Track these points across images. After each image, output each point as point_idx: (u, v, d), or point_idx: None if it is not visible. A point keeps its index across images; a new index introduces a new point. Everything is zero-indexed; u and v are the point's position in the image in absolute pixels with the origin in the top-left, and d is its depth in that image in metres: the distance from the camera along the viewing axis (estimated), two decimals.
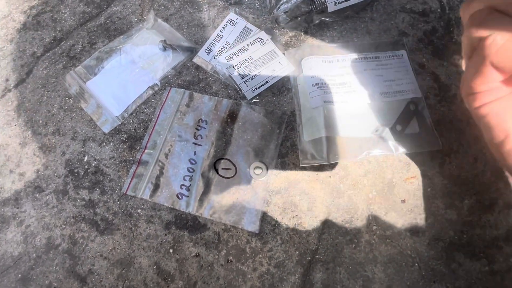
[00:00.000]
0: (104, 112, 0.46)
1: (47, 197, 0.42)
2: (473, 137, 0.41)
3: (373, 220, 0.38)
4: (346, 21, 0.49)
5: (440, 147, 0.40)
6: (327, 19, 0.48)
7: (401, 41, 0.46)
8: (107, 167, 0.43)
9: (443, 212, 0.38)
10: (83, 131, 0.45)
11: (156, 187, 0.41)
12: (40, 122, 0.46)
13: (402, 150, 0.40)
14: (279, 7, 0.49)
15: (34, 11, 0.54)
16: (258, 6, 0.51)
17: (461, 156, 0.40)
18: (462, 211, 0.38)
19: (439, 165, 0.40)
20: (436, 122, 0.42)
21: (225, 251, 0.38)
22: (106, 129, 0.45)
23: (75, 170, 0.43)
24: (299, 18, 0.49)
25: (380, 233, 0.38)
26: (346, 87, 0.43)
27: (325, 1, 0.47)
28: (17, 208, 0.42)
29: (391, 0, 0.49)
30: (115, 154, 0.43)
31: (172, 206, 0.40)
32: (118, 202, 0.41)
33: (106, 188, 0.42)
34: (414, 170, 0.40)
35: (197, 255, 0.38)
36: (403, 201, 0.39)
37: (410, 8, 0.49)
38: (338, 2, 0.48)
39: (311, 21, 0.49)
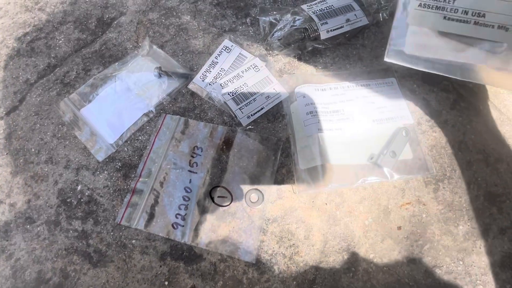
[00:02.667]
0: (98, 140, 0.45)
1: (38, 229, 0.41)
2: (466, 162, 0.42)
3: (370, 247, 0.38)
4: (339, 48, 0.50)
5: (433, 173, 0.41)
6: (320, 46, 0.49)
7: (391, 68, 0.47)
8: (101, 196, 0.42)
9: (438, 238, 0.39)
10: (77, 159, 0.45)
11: (151, 216, 0.41)
12: (33, 150, 0.45)
13: (396, 176, 0.40)
14: (273, 34, 0.50)
15: (28, 37, 0.54)
16: (252, 33, 0.52)
17: (454, 181, 0.41)
18: (457, 237, 0.38)
19: (433, 191, 0.41)
20: (429, 147, 0.43)
21: (221, 283, 0.38)
22: (100, 157, 0.44)
23: (68, 200, 0.42)
24: (292, 45, 0.50)
25: (377, 261, 0.38)
26: (339, 115, 0.44)
27: (318, 29, 0.49)
28: (7, 240, 0.41)
29: (381, 28, 0.51)
30: (109, 182, 0.43)
31: (167, 236, 0.40)
32: (112, 233, 0.40)
33: (99, 218, 0.41)
34: (409, 196, 0.40)
35: (193, 287, 0.37)
36: (399, 227, 0.39)
37: None
38: (330, 30, 0.49)
39: (305, 48, 0.50)
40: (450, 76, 0.37)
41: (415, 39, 0.36)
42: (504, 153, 0.42)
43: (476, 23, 0.32)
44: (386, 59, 0.39)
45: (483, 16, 0.31)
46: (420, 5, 0.34)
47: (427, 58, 0.37)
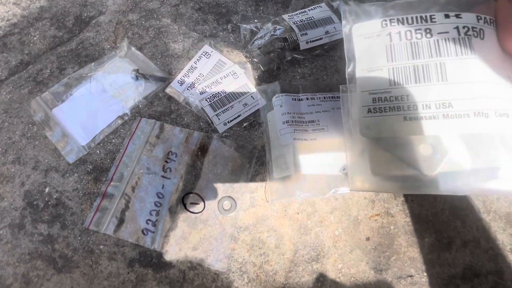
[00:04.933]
0: (70, 141, 0.44)
1: (1, 232, 0.39)
2: None
3: (339, 257, 0.39)
4: (317, 59, 0.51)
5: None
6: (299, 56, 0.50)
7: None
8: (70, 199, 0.41)
9: (405, 250, 0.40)
10: (46, 160, 0.43)
11: (121, 221, 0.40)
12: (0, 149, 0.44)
13: None
14: (253, 42, 0.50)
15: (1, 32, 0.52)
16: (232, 40, 0.52)
17: (421, 194, 0.42)
18: (423, 249, 0.40)
19: (402, 203, 0.42)
20: None
21: None
22: (71, 159, 0.43)
23: (35, 203, 0.41)
24: (272, 54, 0.50)
25: (346, 271, 0.38)
26: (315, 125, 0.44)
27: (298, 39, 0.49)
28: None
29: None
30: (78, 186, 0.42)
31: (136, 242, 0.39)
32: (79, 238, 0.39)
33: (67, 222, 0.40)
34: (379, 208, 0.41)
35: None
36: (368, 238, 0.40)
37: None
38: (310, 41, 0.50)
39: (284, 58, 0.50)
40: (442, 193, 0.29)
41: (378, 162, 0.28)
42: None
43: (446, 116, 0.25)
44: (351, 189, 0.31)
45: (451, 106, 0.25)
46: (369, 111, 0.27)
47: (403, 178, 0.28)
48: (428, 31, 0.27)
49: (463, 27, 0.26)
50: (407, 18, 0.27)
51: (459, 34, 0.26)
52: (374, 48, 0.28)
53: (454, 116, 0.25)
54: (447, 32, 0.26)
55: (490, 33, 0.26)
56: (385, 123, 0.27)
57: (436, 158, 0.26)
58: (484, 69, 0.25)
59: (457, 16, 0.26)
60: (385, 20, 0.28)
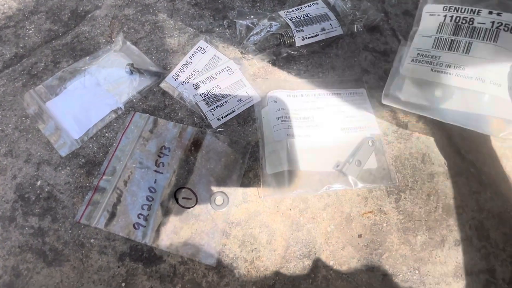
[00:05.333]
0: (63, 135, 0.44)
1: None
2: (427, 174, 0.43)
3: (331, 254, 0.39)
4: (312, 56, 0.51)
5: (396, 183, 0.42)
6: (295, 53, 0.50)
7: (361, 79, 0.48)
8: (61, 193, 0.41)
9: (397, 247, 0.39)
10: (38, 153, 0.43)
11: (112, 215, 0.40)
12: None
13: (360, 185, 0.41)
14: (249, 38, 0.50)
15: None
16: (228, 36, 0.52)
17: (415, 192, 0.42)
18: (415, 247, 0.39)
19: (395, 201, 0.42)
20: (393, 158, 0.44)
21: (180, 285, 0.37)
22: (63, 152, 0.43)
23: (26, 195, 0.41)
24: (267, 50, 0.50)
25: (337, 268, 0.38)
26: (309, 122, 0.44)
27: (294, 36, 0.49)
28: None
29: (355, 38, 0.52)
30: (70, 179, 0.42)
31: (127, 236, 0.39)
32: (70, 231, 0.39)
33: (58, 216, 0.40)
34: (371, 205, 0.41)
35: None
36: (360, 235, 0.40)
37: (373, 47, 0.51)
38: (306, 38, 0.49)
39: (279, 54, 0.50)
40: (440, 120, 0.42)
41: (408, 88, 0.41)
42: (464, 167, 0.43)
43: (457, 75, 0.38)
44: (383, 101, 0.44)
45: (463, 69, 0.37)
46: (412, 60, 0.40)
47: (420, 104, 0.42)
48: (471, 20, 0.38)
49: (498, 22, 0.36)
50: (461, 8, 0.39)
51: (492, 26, 0.37)
52: (432, 22, 0.40)
53: (463, 76, 0.37)
54: (484, 24, 0.37)
55: None
56: (419, 69, 0.40)
57: (444, 98, 0.39)
58: (496, 53, 0.36)
59: (498, 14, 0.37)
60: (446, 6, 0.39)
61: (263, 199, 0.41)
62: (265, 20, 0.51)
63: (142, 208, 0.40)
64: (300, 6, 0.53)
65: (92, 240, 0.39)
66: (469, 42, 0.37)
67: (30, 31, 0.52)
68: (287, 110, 0.45)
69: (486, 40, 0.37)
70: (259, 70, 0.49)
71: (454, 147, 0.45)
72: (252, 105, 0.46)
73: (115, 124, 0.45)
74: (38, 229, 0.39)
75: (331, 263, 0.39)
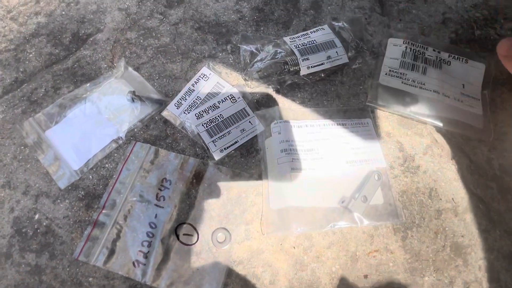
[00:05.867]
0: (62, 165, 0.43)
1: None
2: (435, 210, 0.42)
3: None
4: (317, 84, 0.50)
5: (402, 220, 0.41)
6: (299, 81, 0.49)
7: (367, 108, 0.47)
8: (60, 227, 0.40)
9: None
10: (37, 185, 0.42)
11: (112, 252, 0.39)
12: None
13: (366, 222, 0.40)
14: (252, 65, 0.49)
15: None
16: (232, 61, 0.51)
17: (422, 230, 0.41)
18: None
19: (402, 239, 0.40)
20: (399, 193, 0.43)
21: None
22: (63, 184, 0.42)
23: (23, 230, 0.40)
24: (271, 77, 0.49)
25: None
26: (313, 154, 0.43)
27: (299, 64, 0.48)
28: None
29: (361, 66, 0.51)
30: (69, 213, 0.41)
31: (127, 275, 0.38)
32: (68, 269, 0.38)
33: (56, 252, 0.39)
34: (378, 243, 0.40)
35: None
36: (366, 276, 0.39)
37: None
38: (311, 66, 0.48)
39: (284, 82, 0.49)
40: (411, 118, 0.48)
41: (384, 95, 0.49)
42: (472, 203, 0.42)
43: (421, 87, 0.48)
44: (367, 103, 0.49)
45: (424, 84, 0.48)
46: (386, 74, 0.49)
47: (394, 106, 0.48)
48: (423, 53, 0.50)
49: (438, 57, 0.50)
50: (415, 43, 0.51)
51: (436, 59, 0.50)
52: (397, 50, 0.51)
53: (424, 89, 0.48)
54: (431, 56, 0.50)
55: (455, 63, 0.50)
56: (392, 81, 0.49)
57: (412, 103, 0.48)
58: (441, 76, 0.49)
59: (438, 52, 0.50)
60: (405, 40, 0.51)
61: (266, 236, 0.40)
62: (270, 47, 0.50)
63: (142, 245, 0.39)
64: (305, 32, 0.52)
65: (90, 279, 0.38)
66: (424, 67, 0.49)
67: (31, 55, 0.51)
68: (291, 141, 0.44)
69: (434, 67, 0.49)
70: (262, 98, 0.48)
71: (462, 181, 0.43)
72: (256, 135, 0.45)
73: (115, 155, 0.44)
74: (35, 266, 0.38)
75: None
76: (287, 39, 0.51)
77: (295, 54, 0.49)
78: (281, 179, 0.42)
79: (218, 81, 0.49)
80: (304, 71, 0.48)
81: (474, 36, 0.54)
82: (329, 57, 0.49)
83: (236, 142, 0.45)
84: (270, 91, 0.49)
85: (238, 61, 0.51)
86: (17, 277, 0.37)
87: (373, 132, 0.46)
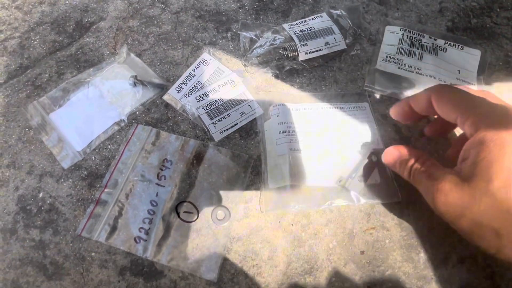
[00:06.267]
0: (65, 146, 0.44)
1: None
2: None
3: (332, 271, 0.38)
4: (316, 69, 0.51)
5: (399, 199, 0.42)
6: (298, 66, 0.50)
7: (364, 93, 0.48)
8: (63, 205, 0.41)
9: (400, 265, 0.39)
10: (41, 165, 0.43)
11: (113, 229, 0.40)
12: None
13: (363, 201, 0.41)
14: (252, 51, 0.50)
15: (2, 36, 0.53)
16: (231, 48, 0.52)
17: (418, 208, 0.42)
18: (418, 265, 0.39)
19: (398, 217, 0.41)
20: (396, 173, 0.43)
21: None
22: (66, 164, 0.43)
23: (28, 207, 0.41)
24: (270, 63, 0.50)
25: (339, 285, 0.38)
26: (312, 136, 0.44)
27: (297, 50, 0.49)
28: None
29: (359, 52, 0.52)
30: (72, 191, 0.42)
31: (128, 250, 0.39)
32: (71, 244, 0.39)
33: (59, 228, 0.40)
34: (374, 221, 0.41)
35: None
36: (362, 252, 0.39)
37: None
38: (309, 52, 0.49)
39: (282, 67, 0.50)
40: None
41: (382, 78, 0.50)
42: None
43: (417, 73, 0.49)
44: (365, 87, 0.50)
45: (420, 69, 0.49)
46: (383, 59, 0.51)
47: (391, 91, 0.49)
48: (420, 40, 0.52)
49: (434, 44, 0.52)
50: (412, 31, 0.52)
51: (432, 46, 0.52)
52: (393, 37, 0.52)
53: (421, 74, 0.49)
54: (428, 43, 0.52)
55: (451, 50, 0.52)
56: (389, 66, 0.50)
57: (408, 86, 0.49)
58: (438, 62, 0.50)
59: (434, 39, 0.52)
60: (402, 28, 0.53)
61: (264, 214, 0.41)
62: (269, 33, 0.51)
63: (144, 222, 0.40)
64: (304, 19, 0.53)
65: (93, 254, 0.39)
66: (420, 53, 0.51)
67: (35, 42, 0.52)
68: (289, 124, 0.45)
69: (431, 54, 0.51)
70: (262, 83, 0.49)
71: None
72: (255, 118, 0.46)
73: (117, 136, 0.45)
74: (39, 241, 0.39)
75: (333, 280, 0.38)
76: (286, 25, 0.52)
77: (293, 40, 0.50)
78: (279, 159, 0.42)
79: (218, 66, 0.50)
80: (302, 57, 0.49)
81: (471, 24, 0.55)
82: (327, 43, 0.50)
83: (235, 125, 0.46)
84: (269, 76, 0.50)
85: (238, 48, 0.52)
86: (21, 252, 0.38)
87: (370, 115, 0.47)
